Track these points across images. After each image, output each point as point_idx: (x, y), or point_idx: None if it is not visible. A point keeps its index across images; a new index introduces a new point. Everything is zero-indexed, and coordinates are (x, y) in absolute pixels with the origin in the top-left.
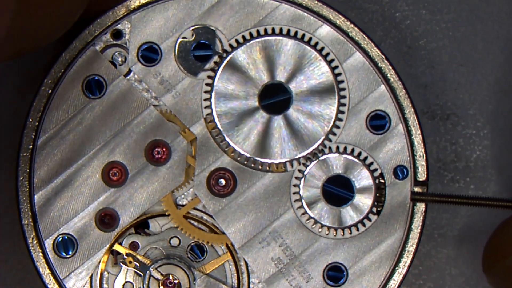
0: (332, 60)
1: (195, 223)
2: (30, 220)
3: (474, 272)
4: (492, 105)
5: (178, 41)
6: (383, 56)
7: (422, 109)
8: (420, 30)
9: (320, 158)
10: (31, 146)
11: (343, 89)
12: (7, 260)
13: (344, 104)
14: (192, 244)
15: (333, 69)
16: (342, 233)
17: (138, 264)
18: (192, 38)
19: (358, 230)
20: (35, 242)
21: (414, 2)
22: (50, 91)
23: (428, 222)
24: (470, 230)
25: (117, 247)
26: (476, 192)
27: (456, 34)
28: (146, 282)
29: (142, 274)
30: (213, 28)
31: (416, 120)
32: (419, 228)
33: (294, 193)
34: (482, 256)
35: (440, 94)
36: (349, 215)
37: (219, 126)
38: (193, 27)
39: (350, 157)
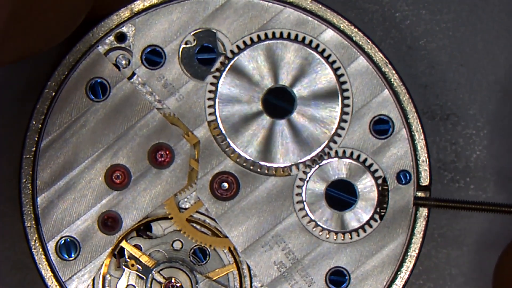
0: (336, 65)
1: (198, 227)
2: (33, 222)
3: (474, 272)
4: (492, 105)
5: (181, 47)
6: (387, 61)
7: (422, 109)
8: (420, 30)
9: (323, 163)
10: (34, 149)
11: (347, 93)
12: (7, 260)
13: (347, 109)
14: (195, 247)
15: (337, 73)
16: (344, 238)
17: (140, 267)
18: (194, 43)
19: (360, 234)
20: (37, 244)
21: (414, 2)
22: (53, 94)
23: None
24: (470, 230)
25: (124, 244)
26: (476, 192)
27: (456, 34)
28: (149, 285)
29: (144, 277)
30: (214, 31)
31: (420, 125)
32: (422, 233)
33: (297, 197)
34: (493, 275)
35: (440, 94)
36: (352, 219)
37: (222, 129)
38: (194, 32)
39: (353, 161)
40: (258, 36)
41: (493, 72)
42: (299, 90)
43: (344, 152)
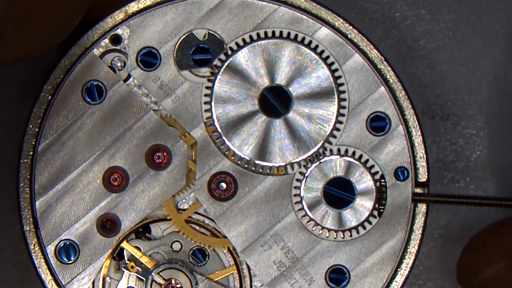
0: (332, 62)
1: (197, 227)
2: (32, 226)
3: None
4: (492, 105)
5: (186, 35)
6: (382, 58)
7: (422, 109)
8: (420, 30)
9: (321, 161)
10: (31, 153)
11: (343, 91)
12: (7, 260)
13: (344, 106)
14: (194, 248)
15: (332, 71)
16: (343, 235)
17: (140, 269)
18: (202, 38)
19: (359, 232)
20: (36, 248)
21: (414, 2)
22: (49, 97)
23: (428, 222)
24: (470, 230)
25: (124, 244)
26: (476, 192)
27: (456, 34)
28: (149, 287)
29: (144, 279)
30: (225, 44)
31: (416, 121)
32: (421, 229)
33: (295, 196)
34: (456, 269)
35: (440, 94)
36: (350, 217)
37: (219, 129)
38: (208, 32)
39: (350, 159)
40: (253, 36)
41: (493, 72)
42: (295, 89)
43: (341, 150)
